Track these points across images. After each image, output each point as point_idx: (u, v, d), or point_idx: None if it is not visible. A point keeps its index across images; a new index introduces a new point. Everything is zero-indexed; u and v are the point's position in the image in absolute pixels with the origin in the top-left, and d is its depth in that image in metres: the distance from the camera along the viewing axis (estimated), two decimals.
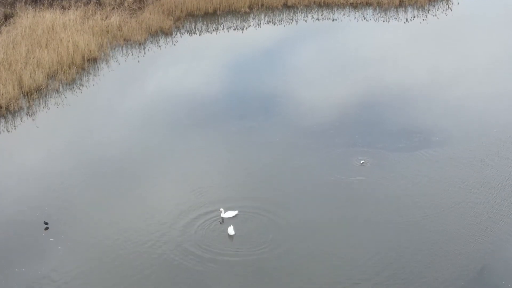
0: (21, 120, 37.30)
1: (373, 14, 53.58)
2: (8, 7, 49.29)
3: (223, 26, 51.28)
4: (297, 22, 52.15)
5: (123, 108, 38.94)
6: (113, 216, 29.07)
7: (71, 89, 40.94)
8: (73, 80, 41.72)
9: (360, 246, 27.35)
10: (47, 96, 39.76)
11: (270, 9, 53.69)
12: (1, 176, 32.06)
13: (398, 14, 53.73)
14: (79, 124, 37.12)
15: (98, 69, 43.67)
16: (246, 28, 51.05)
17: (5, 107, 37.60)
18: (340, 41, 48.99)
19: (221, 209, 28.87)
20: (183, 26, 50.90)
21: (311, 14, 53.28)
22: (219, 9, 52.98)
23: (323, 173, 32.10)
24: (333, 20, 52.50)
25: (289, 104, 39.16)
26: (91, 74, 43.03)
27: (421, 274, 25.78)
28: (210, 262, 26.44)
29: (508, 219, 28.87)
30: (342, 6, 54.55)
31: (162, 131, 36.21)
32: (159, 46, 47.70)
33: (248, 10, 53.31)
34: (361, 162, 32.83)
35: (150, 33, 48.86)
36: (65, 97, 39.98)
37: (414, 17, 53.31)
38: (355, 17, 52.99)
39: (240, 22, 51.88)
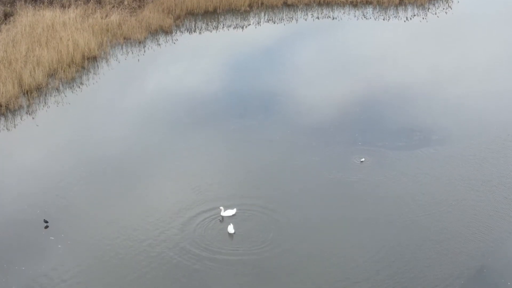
0: (21, 119, 37.29)
1: (373, 13, 53.56)
2: (8, 5, 49.29)
3: (223, 24, 51.26)
4: (297, 20, 52.13)
5: (123, 106, 38.93)
6: (113, 215, 29.07)
7: (71, 88, 40.93)
8: (73, 79, 41.71)
9: (360, 244, 27.33)
10: (47, 95, 39.75)
11: (270, 8, 53.67)
12: (1, 174, 32.05)
13: (398, 13, 53.72)
14: (79, 123, 37.11)
15: (98, 68, 43.66)
16: (246, 26, 51.03)
17: (5, 106, 37.58)
18: (340, 39, 48.98)
19: (221, 208, 28.87)
20: (183, 25, 50.89)
21: (311, 13, 53.27)
22: (219, 7, 52.96)
23: (323, 171, 32.09)
24: (333, 18, 52.48)
25: (288, 103, 39.15)
26: (91, 72, 43.02)
27: (421, 272, 25.77)
28: (209, 260, 26.42)
29: (508, 217, 28.86)
30: (342, 4, 54.53)
31: (162, 130, 36.19)
32: (159, 44, 47.69)
33: (248, 8, 53.30)
34: (361, 160, 32.82)
35: (150, 32, 48.84)
36: (65, 96, 39.97)
37: (414, 15, 53.30)
38: (355, 16, 52.97)
39: (240, 21, 51.85)
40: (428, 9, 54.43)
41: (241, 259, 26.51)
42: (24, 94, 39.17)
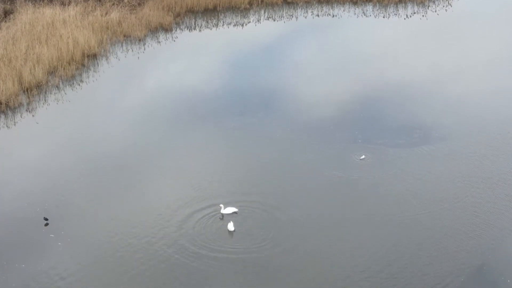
0: (21, 116, 37.28)
1: (373, 10, 53.52)
2: (8, 3, 49.27)
3: (223, 22, 51.22)
4: (297, 18, 52.10)
5: (123, 104, 38.92)
6: (113, 212, 29.06)
7: (71, 85, 40.91)
8: (73, 76, 41.69)
9: (360, 241, 27.34)
10: (47, 92, 39.73)
11: (270, 5, 53.64)
12: (1, 172, 32.04)
13: (398, 10, 53.68)
14: (79, 120, 37.10)
15: (98, 65, 43.63)
16: (246, 24, 51.00)
17: (5, 103, 37.57)
18: (340, 37, 48.95)
19: (221, 205, 28.85)
20: (183, 22, 50.86)
21: (311, 10, 53.23)
22: (219, 5, 52.92)
23: (323, 168, 32.08)
24: (333, 16, 52.45)
25: (289, 100, 39.14)
26: (91, 70, 42.99)
27: (422, 270, 25.77)
28: (209, 258, 26.41)
29: (509, 214, 28.86)
30: (342, 2, 54.48)
31: (162, 127, 36.18)
32: (159, 42, 47.66)
33: (248, 6, 53.26)
34: (361, 157, 32.81)
35: (150, 29, 48.81)
36: (65, 93, 39.95)
37: (414, 13, 53.26)
38: (355, 13, 52.93)
39: (240, 18, 51.82)
40: (428, 7, 54.39)
41: (241, 257, 26.50)
42: (24, 91, 39.15)
